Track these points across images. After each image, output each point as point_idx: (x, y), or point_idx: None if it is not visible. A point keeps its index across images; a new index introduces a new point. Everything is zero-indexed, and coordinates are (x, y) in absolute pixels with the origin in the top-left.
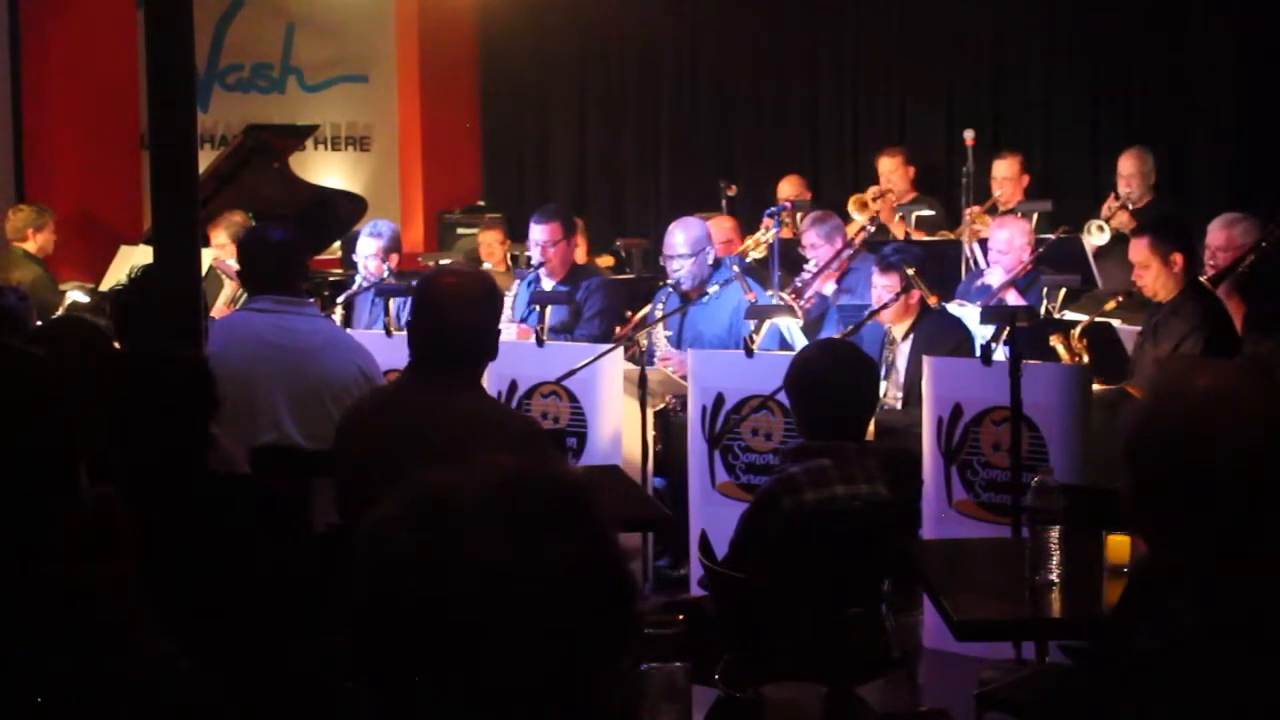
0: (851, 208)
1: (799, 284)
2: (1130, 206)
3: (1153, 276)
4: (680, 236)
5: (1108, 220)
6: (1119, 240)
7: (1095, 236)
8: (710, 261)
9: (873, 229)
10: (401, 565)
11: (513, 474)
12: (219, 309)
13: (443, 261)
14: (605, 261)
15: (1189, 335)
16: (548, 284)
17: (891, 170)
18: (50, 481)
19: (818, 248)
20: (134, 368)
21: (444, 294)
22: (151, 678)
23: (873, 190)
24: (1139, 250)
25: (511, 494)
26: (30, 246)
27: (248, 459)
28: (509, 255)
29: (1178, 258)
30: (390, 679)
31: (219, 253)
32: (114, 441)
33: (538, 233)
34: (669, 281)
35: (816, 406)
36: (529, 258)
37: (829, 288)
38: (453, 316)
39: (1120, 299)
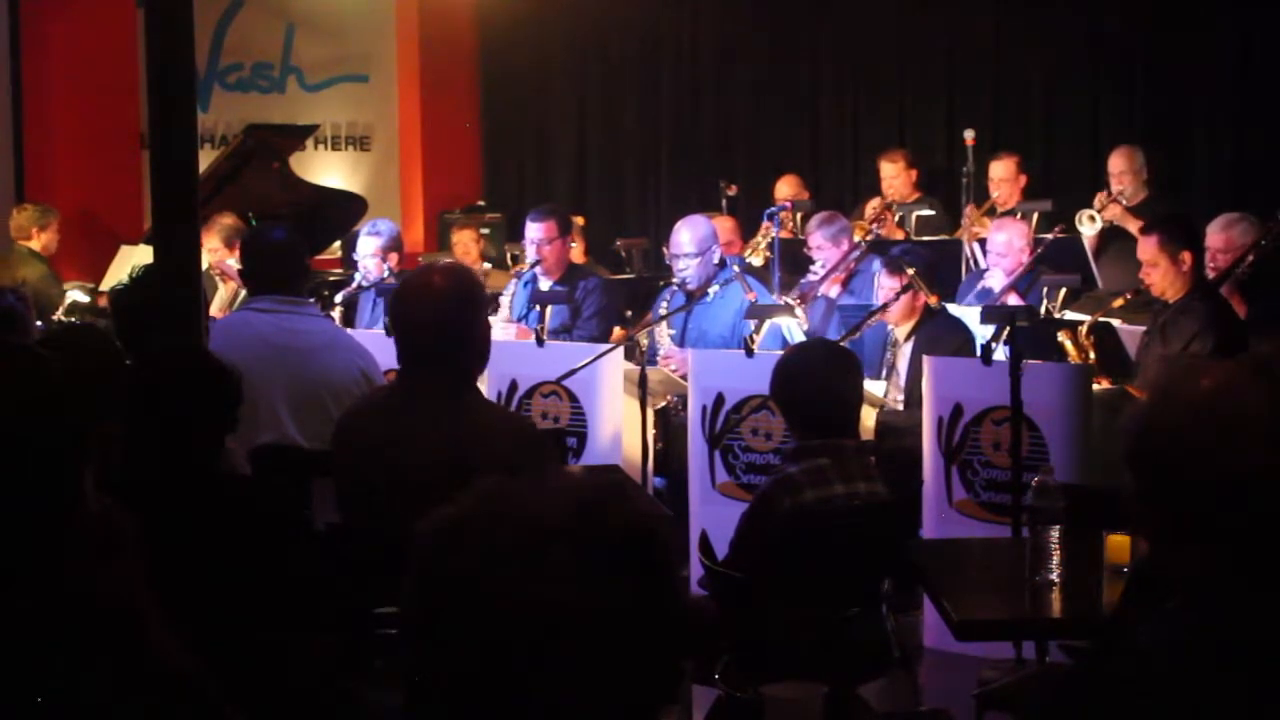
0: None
1: (805, 287)
2: (1124, 202)
3: (1161, 275)
4: (686, 235)
5: (1099, 211)
6: (1116, 238)
7: (1086, 227)
8: (715, 261)
9: (879, 231)
10: (458, 582)
11: (588, 503)
12: (214, 311)
13: (444, 260)
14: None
15: (1198, 335)
16: (545, 284)
17: (894, 175)
18: (57, 485)
19: (824, 249)
20: (161, 371)
21: (411, 297)
22: (159, 679)
23: (870, 211)
24: (1148, 248)
25: (585, 524)
26: (35, 245)
27: (248, 459)
28: (508, 255)
29: (1186, 256)
30: (432, 691)
31: (209, 255)
32: (122, 442)
33: (533, 230)
34: (674, 281)
35: (804, 407)
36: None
37: (834, 290)
38: (422, 318)
39: (1128, 296)
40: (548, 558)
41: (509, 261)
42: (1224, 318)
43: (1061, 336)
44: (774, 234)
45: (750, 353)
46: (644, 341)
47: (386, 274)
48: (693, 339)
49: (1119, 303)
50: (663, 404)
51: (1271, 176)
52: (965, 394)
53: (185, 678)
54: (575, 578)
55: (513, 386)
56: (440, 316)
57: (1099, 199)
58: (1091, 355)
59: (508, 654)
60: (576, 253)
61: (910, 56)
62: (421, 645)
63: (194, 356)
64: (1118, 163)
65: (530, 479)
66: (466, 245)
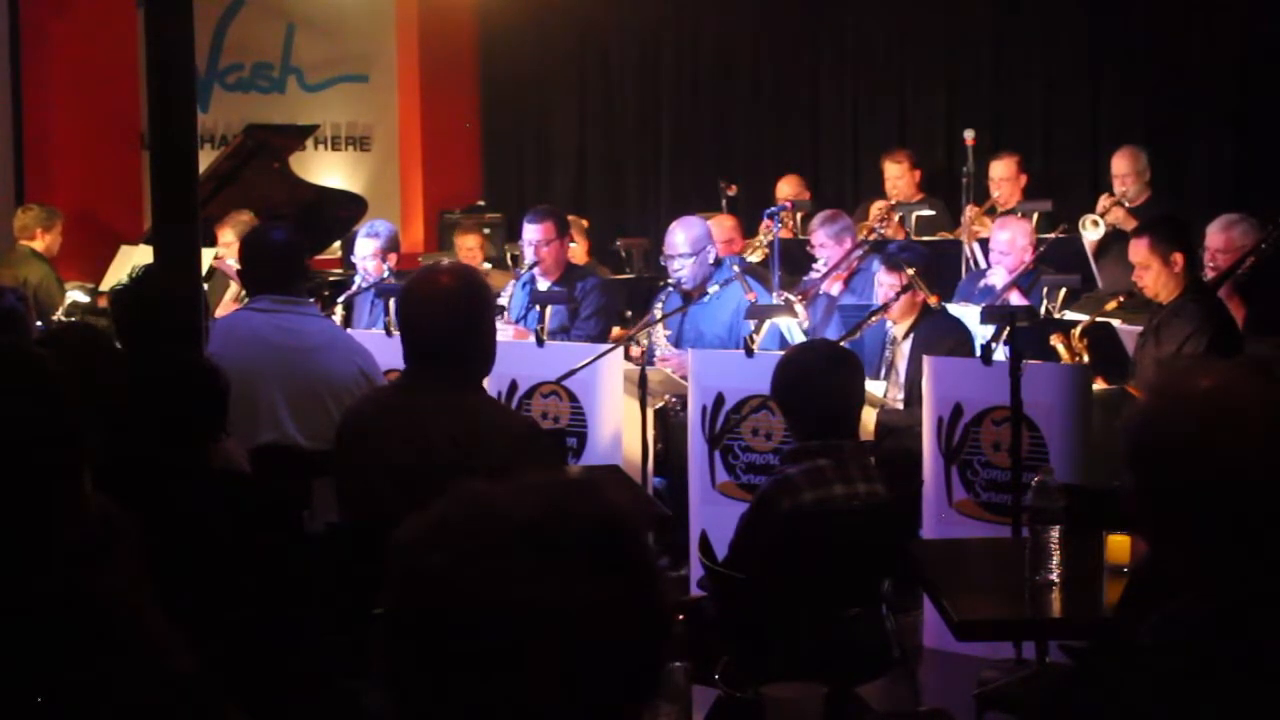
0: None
1: (806, 284)
2: (1126, 204)
3: (1153, 276)
4: (681, 236)
5: (1102, 215)
6: (1117, 239)
7: (1090, 231)
8: (711, 261)
9: (883, 231)
10: (431, 582)
11: (559, 500)
12: (225, 306)
13: (443, 260)
14: (580, 224)
15: (1192, 336)
16: (543, 284)
17: (898, 175)
18: (57, 485)
19: (826, 247)
20: (147, 376)
21: (419, 296)
22: (159, 679)
23: (875, 212)
24: (1139, 250)
25: (554, 522)
26: (38, 245)
27: (248, 459)
28: (508, 255)
29: (1178, 258)
30: (410, 691)
31: (225, 251)
32: (117, 441)
33: (531, 232)
34: (669, 281)
35: (805, 407)
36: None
37: (835, 288)
38: (429, 318)
39: (1121, 299)
40: (514, 556)
41: (509, 262)
42: (1217, 318)
43: (1054, 339)
44: (774, 233)
45: (750, 353)
46: (644, 342)
47: (386, 274)
48: (690, 339)
49: (1112, 305)
50: (661, 404)
51: (1272, 177)
52: (965, 394)
53: (185, 677)
54: (542, 575)
55: (513, 386)
56: (447, 317)
57: (1102, 202)
58: (1084, 358)
59: (480, 654)
60: (578, 253)
61: (910, 57)
62: (397, 647)
63: (183, 360)
64: (1121, 164)
65: (503, 479)
66: (472, 250)
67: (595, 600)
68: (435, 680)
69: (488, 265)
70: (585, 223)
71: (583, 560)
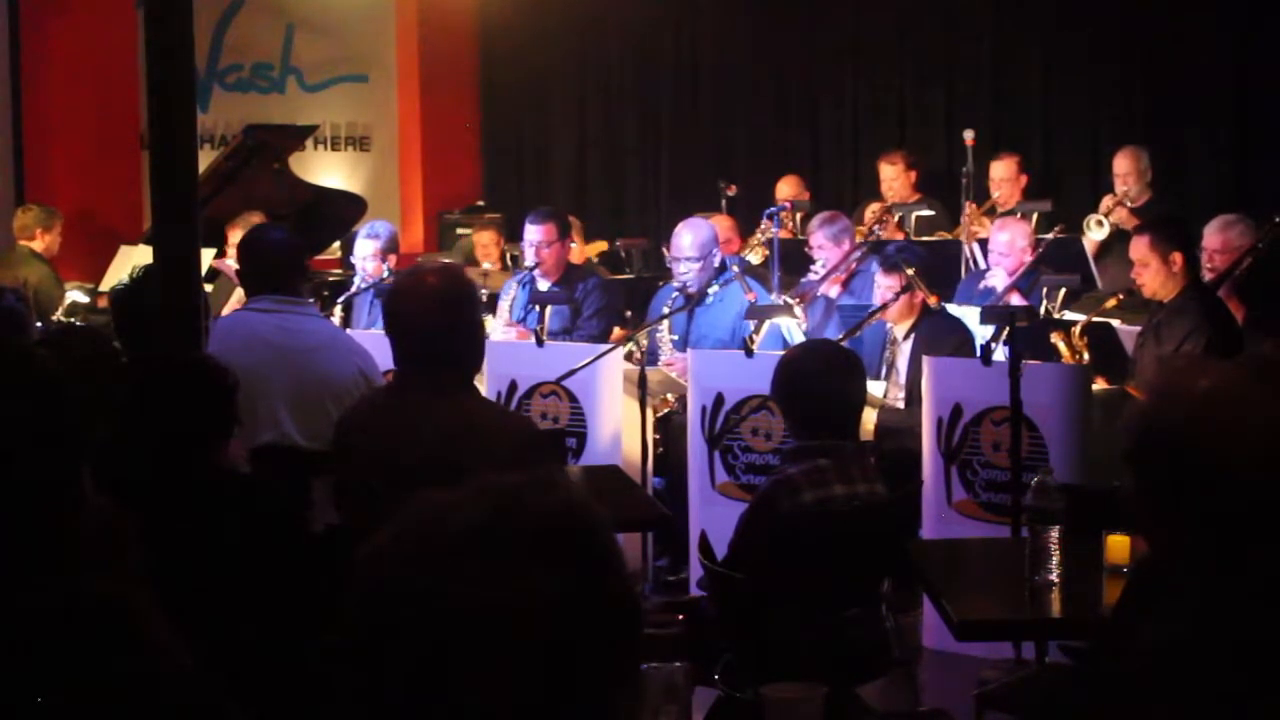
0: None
1: (805, 286)
2: (1129, 204)
3: (1152, 275)
4: (688, 239)
5: (1106, 215)
6: (1119, 239)
7: (1094, 231)
8: (716, 264)
9: (880, 233)
10: (386, 601)
11: (506, 500)
12: (231, 308)
13: (440, 259)
14: (598, 247)
15: (1191, 335)
16: (543, 285)
17: (894, 177)
18: (56, 485)
19: (825, 249)
20: (153, 375)
21: (406, 297)
22: (159, 679)
23: (870, 215)
24: (1139, 248)
25: (502, 522)
26: (37, 246)
27: (248, 459)
28: (508, 256)
29: (1177, 257)
30: (377, 705)
31: (234, 253)
32: (119, 440)
33: (533, 233)
34: (676, 284)
35: (806, 407)
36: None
37: (834, 290)
38: (417, 318)
39: (1121, 297)
40: (463, 561)
41: (508, 262)
42: (1217, 317)
43: (1055, 337)
44: (773, 233)
45: (750, 353)
46: (644, 342)
47: (386, 275)
48: (694, 343)
49: (1111, 303)
50: (665, 411)
51: (1271, 177)
52: (965, 394)
53: (185, 677)
54: (492, 577)
55: (512, 387)
56: (435, 316)
57: (1105, 203)
58: (1085, 356)
59: (444, 662)
60: (576, 253)
61: (909, 57)
62: (359, 663)
63: (191, 362)
64: (1122, 164)
65: (456, 485)
66: (488, 247)
67: (550, 596)
68: (404, 692)
69: (487, 265)
70: (601, 249)
71: (533, 558)
